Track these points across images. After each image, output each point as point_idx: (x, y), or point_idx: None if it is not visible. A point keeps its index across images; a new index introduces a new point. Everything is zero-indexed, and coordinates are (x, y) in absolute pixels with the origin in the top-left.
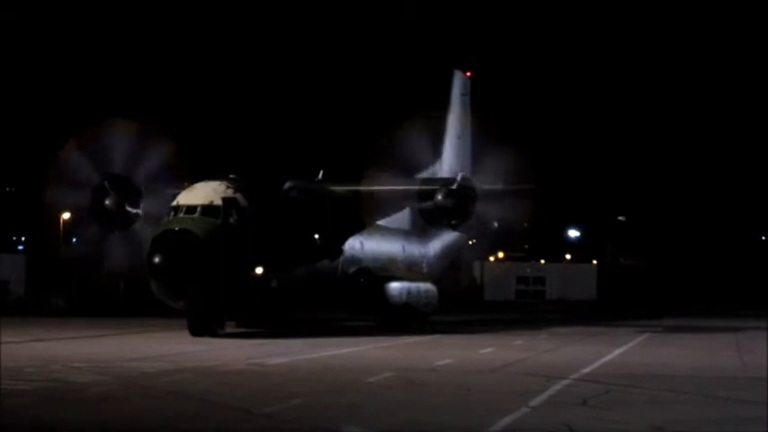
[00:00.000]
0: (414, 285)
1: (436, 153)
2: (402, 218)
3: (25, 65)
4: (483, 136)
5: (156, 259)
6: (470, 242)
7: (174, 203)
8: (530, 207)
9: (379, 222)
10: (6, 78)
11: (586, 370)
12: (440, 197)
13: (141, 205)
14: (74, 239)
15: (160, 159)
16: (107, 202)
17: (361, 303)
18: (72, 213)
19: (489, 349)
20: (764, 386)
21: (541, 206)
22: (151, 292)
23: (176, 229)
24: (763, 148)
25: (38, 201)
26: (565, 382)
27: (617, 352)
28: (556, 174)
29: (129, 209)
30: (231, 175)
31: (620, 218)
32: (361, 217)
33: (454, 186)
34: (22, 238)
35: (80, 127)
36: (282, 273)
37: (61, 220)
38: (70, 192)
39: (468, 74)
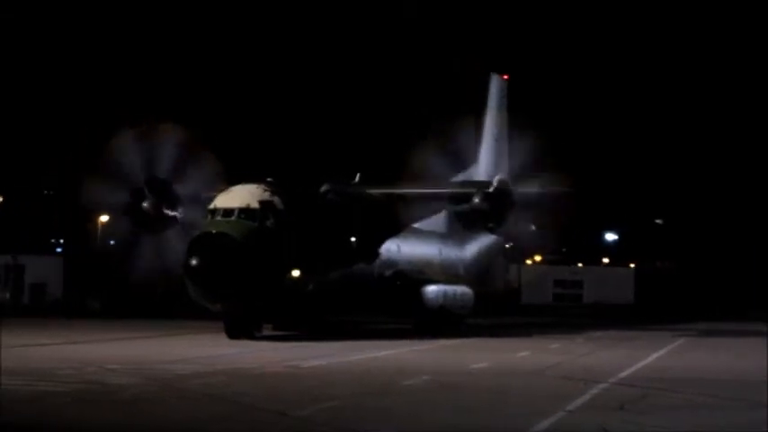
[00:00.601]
0: (450, 288)
1: (473, 156)
2: (438, 221)
3: (46, 68)
4: (520, 138)
5: (194, 262)
6: (507, 245)
7: (212, 206)
8: (567, 210)
9: (416, 225)
10: (39, 81)
11: (623, 374)
12: (476, 200)
13: (179, 208)
14: (111, 242)
15: (199, 163)
16: (145, 204)
17: (397, 306)
18: (109, 215)
19: (526, 353)
20: None
21: (578, 209)
22: (188, 295)
23: (214, 231)
24: None
25: (75, 204)
26: (602, 385)
27: (654, 356)
28: (593, 176)
29: (166, 211)
30: (268, 179)
31: (657, 221)
32: (397, 220)
33: (491, 189)
34: (60, 241)
35: (117, 130)
36: (319, 276)
37: (99, 223)
38: (108, 193)
39: (505, 77)
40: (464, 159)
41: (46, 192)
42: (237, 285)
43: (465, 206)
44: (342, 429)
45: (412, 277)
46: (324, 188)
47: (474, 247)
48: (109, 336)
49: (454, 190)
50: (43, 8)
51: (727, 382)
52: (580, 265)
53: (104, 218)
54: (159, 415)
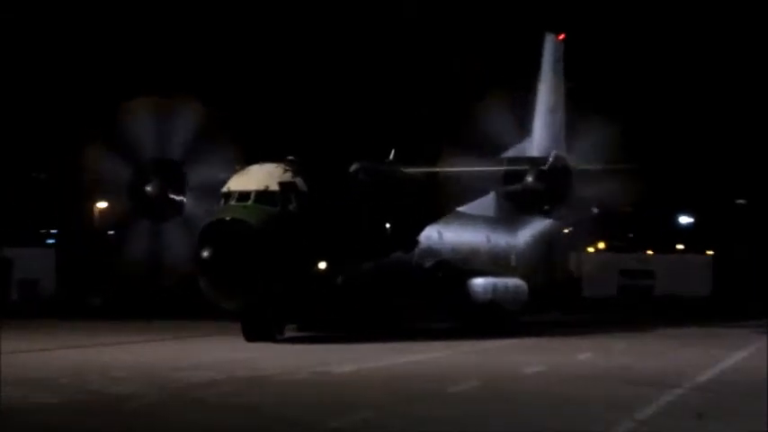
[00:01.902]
0: (500, 281)
1: (525, 128)
2: (486, 203)
3: (58, 40)
4: (578, 108)
5: (205, 254)
6: (565, 230)
7: (225, 189)
8: (634, 189)
9: (460, 209)
10: (38, 57)
11: (702, 377)
12: (530, 179)
13: (187, 193)
14: (111, 232)
15: (210, 140)
16: (149, 188)
17: (439, 302)
18: (109, 202)
19: (588, 354)
20: None
21: (648, 188)
22: (200, 291)
23: (227, 218)
24: None
25: (70, 189)
26: (676, 391)
27: (736, 356)
28: (664, 150)
29: (173, 196)
30: (290, 157)
31: (739, 201)
32: (438, 203)
33: (546, 166)
34: (52, 231)
35: (117, 106)
36: (349, 268)
37: (96, 210)
38: (107, 177)
39: (561, 37)
40: (515, 133)
41: (35, 175)
42: (255, 280)
43: (517, 186)
44: None
45: (456, 268)
46: (354, 167)
47: (527, 232)
48: (112, 338)
49: (504, 167)
50: None
51: None
52: (650, 252)
53: (102, 204)
54: (170, 428)
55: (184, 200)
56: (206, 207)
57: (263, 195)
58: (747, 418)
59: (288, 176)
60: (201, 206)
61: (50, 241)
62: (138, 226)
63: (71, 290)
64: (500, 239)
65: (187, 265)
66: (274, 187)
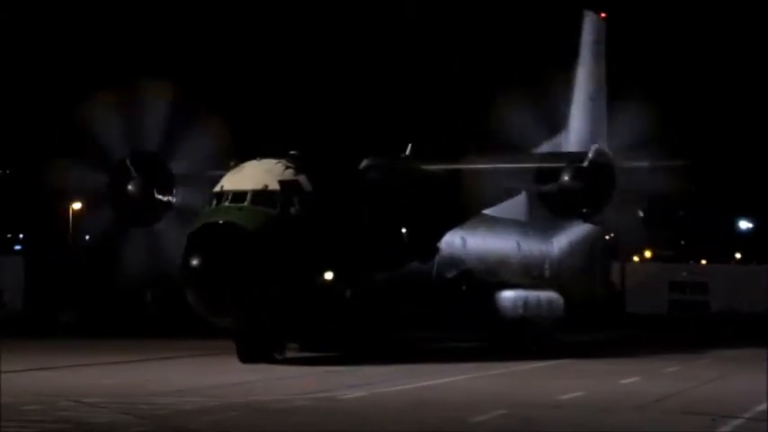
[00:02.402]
0: (533, 294)
1: (561, 120)
2: (517, 206)
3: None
4: (622, 96)
5: (194, 262)
6: (607, 237)
7: (218, 188)
8: (685, 189)
9: (487, 212)
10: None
11: (763, 406)
12: (566, 178)
13: (174, 192)
14: (86, 237)
15: (200, 132)
16: (130, 187)
17: (463, 318)
18: (84, 203)
19: (633, 378)
20: None
21: (702, 189)
22: (188, 305)
23: (220, 222)
24: None
25: (40, 187)
26: (736, 422)
27: None
28: (720, 145)
29: (158, 196)
30: (292, 152)
31: None
32: (462, 204)
33: (585, 163)
34: (20, 236)
35: (95, 92)
36: (359, 279)
37: (70, 212)
38: (82, 174)
39: (602, 15)
40: (550, 125)
41: (1, 172)
42: (251, 293)
43: (552, 185)
44: None
45: (482, 280)
46: (364, 164)
47: (564, 239)
48: (88, 359)
49: (537, 164)
50: None
51: None
52: (704, 262)
53: (77, 205)
54: None
55: (172, 200)
56: (195, 208)
57: (261, 196)
58: None
59: (290, 174)
60: (190, 207)
61: (18, 247)
62: (119, 230)
63: (41, 303)
64: (532, 247)
65: (175, 275)
66: (274, 186)
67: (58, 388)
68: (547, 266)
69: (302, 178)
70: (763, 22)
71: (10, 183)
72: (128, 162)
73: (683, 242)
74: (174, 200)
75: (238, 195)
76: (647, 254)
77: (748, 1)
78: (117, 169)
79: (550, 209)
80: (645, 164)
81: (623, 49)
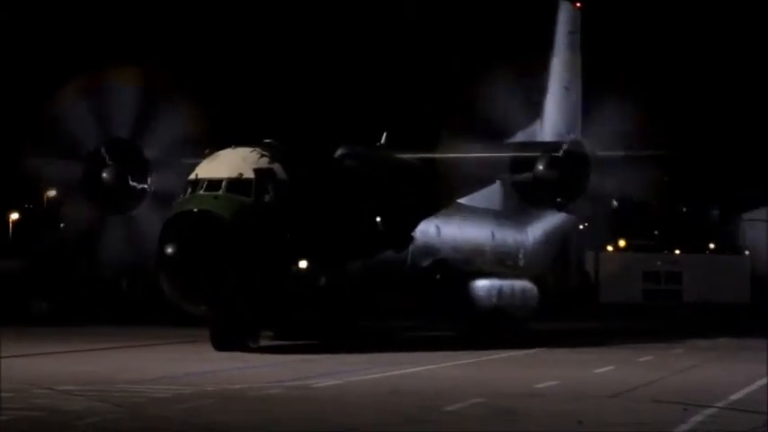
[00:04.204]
0: (507, 283)
1: (535, 109)
2: (491, 195)
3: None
4: (596, 86)
5: (169, 250)
6: (581, 226)
7: (193, 177)
8: (660, 179)
9: (461, 201)
10: None
11: (737, 396)
12: (541, 167)
13: (149, 180)
14: (61, 225)
15: (176, 119)
16: (105, 174)
17: (437, 307)
18: (58, 190)
19: (607, 368)
20: None
21: (676, 178)
22: (162, 293)
23: (194, 210)
24: None
25: (13, 174)
26: (708, 411)
27: None
28: (693, 134)
29: (133, 184)
30: (266, 140)
31: None
32: (436, 193)
33: (560, 153)
34: None
35: (70, 78)
36: (333, 267)
37: (44, 200)
38: (56, 161)
39: (578, 5)
40: (524, 114)
41: None
42: (225, 280)
43: (526, 175)
44: None
45: (456, 269)
46: (339, 152)
47: (538, 228)
48: (62, 347)
49: (511, 153)
50: None
51: None
52: (678, 252)
53: (52, 193)
54: None
55: (147, 188)
56: (171, 195)
57: (235, 184)
58: None
59: (265, 162)
60: (169, 193)
61: None
62: (93, 218)
63: (12, 293)
64: (507, 236)
65: (149, 262)
66: (249, 174)
67: (31, 375)
68: (521, 256)
69: (277, 166)
70: (739, 12)
71: None
72: (102, 150)
73: (657, 232)
74: (150, 187)
75: (213, 183)
76: (622, 243)
77: None
78: (91, 157)
79: (525, 198)
80: (619, 153)
81: (599, 39)
